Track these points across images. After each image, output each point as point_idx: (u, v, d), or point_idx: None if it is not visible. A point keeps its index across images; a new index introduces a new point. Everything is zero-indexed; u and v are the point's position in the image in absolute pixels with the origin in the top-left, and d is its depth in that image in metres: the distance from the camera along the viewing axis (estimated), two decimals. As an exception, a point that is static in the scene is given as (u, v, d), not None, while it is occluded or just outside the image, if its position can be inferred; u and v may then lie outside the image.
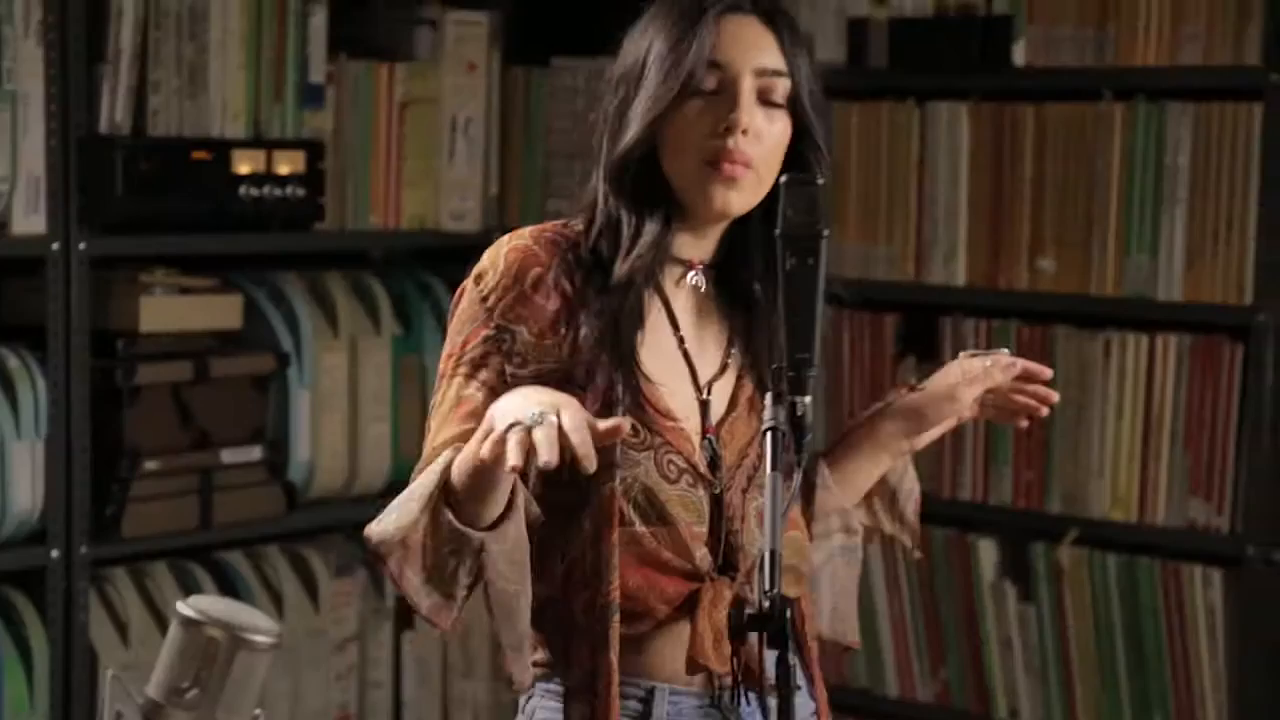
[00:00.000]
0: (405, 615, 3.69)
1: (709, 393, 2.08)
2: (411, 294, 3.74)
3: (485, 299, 2.11)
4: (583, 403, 1.91)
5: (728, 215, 2.04)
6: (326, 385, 3.56)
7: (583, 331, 2.08)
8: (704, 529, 2.05)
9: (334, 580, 3.58)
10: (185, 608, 1.48)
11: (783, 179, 1.92)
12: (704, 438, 2.06)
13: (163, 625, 3.33)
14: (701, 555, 2.04)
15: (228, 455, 3.38)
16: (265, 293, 3.53)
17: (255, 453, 3.43)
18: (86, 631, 3.21)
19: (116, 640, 3.28)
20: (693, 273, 2.10)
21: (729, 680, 2.06)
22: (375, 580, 3.66)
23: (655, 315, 2.11)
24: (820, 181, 1.92)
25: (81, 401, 3.19)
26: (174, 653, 1.49)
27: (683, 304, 2.11)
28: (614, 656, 2.03)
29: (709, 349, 2.10)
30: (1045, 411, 2.08)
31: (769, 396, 1.86)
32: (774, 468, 1.81)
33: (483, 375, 2.08)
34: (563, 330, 2.09)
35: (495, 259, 2.14)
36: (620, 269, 2.08)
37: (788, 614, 1.73)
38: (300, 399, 3.52)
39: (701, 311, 2.10)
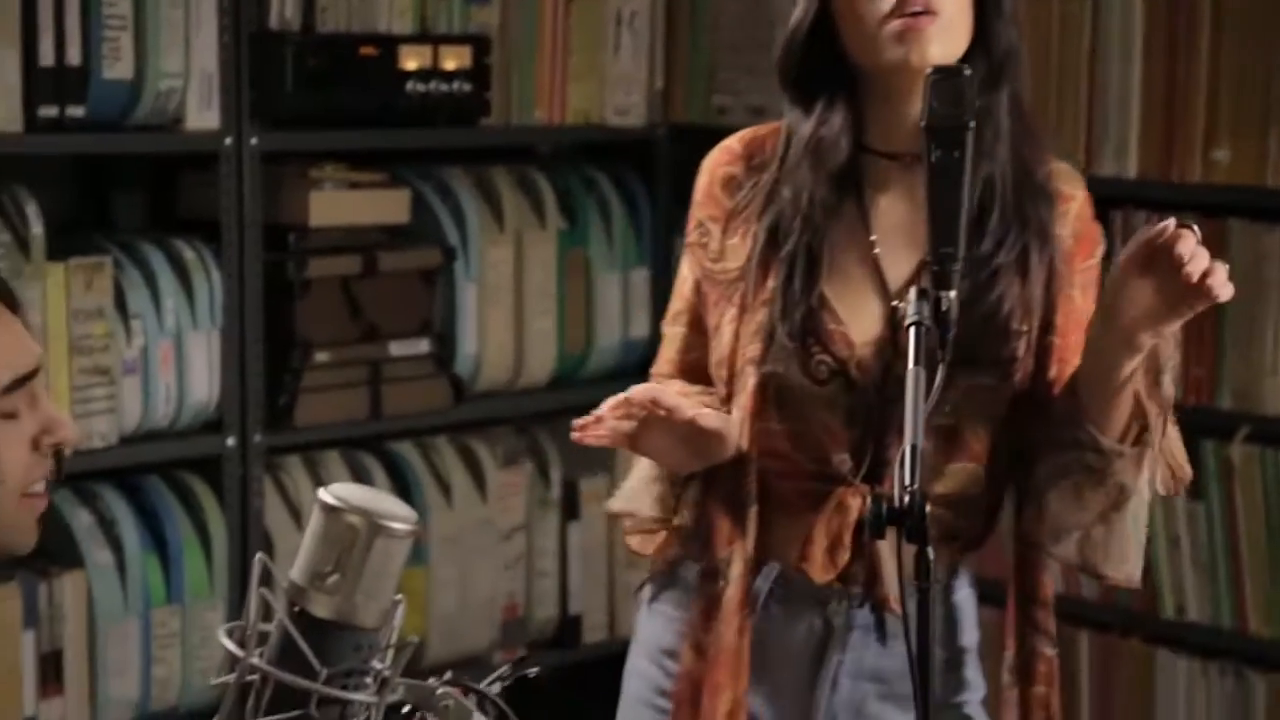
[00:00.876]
0: (571, 505, 3.74)
1: (900, 298, 2.03)
2: (576, 188, 3.76)
3: (695, 193, 2.17)
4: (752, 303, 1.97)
5: (922, 68, 1.95)
6: (492, 279, 3.59)
7: (761, 232, 2.09)
8: (850, 433, 2.04)
9: (501, 471, 3.63)
10: (326, 495, 1.51)
11: (928, 71, 1.90)
12: (878, 343, 2.03)
13: (334, 513, 3.40)
14: (840, 459, 2.04)
15: (396, 348, 3.44)
16: (432, 187, 3.57)
17: (423, 345, 3.48)
18: (262, 517, 3.29)
19: (291, 526, 3.35)
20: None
21: (843, 589, 2.07)
22: (542, 471, 3.71)
23: (847, 215, 2.09)
24: (967, 73, 1.90)
25: (255, 294, 3.25)
26: (315, 538, 1.52)
27: (885, 204, 2.07)
28: (749, 544, 2.06)
29: (909, 251, 2.06)
30: (1220, 293, 1.95)
31: (912, 291, 1.86)
32: (916, 362, 1.81)
33: (694, 262, 2.14)
34: (745, 230, 2.11)
35: (710, 154, 2.17)
36: (802, 165, 2.08)
37: (926, 510, 1.72)
38: (466, 293, 3.56)
39: (911, 210, 2.05)
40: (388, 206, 3.47)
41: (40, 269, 3.01)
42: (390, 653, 1.54)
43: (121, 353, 3.12)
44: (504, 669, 2.02)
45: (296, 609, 1.51)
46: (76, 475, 3.15)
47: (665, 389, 2.03)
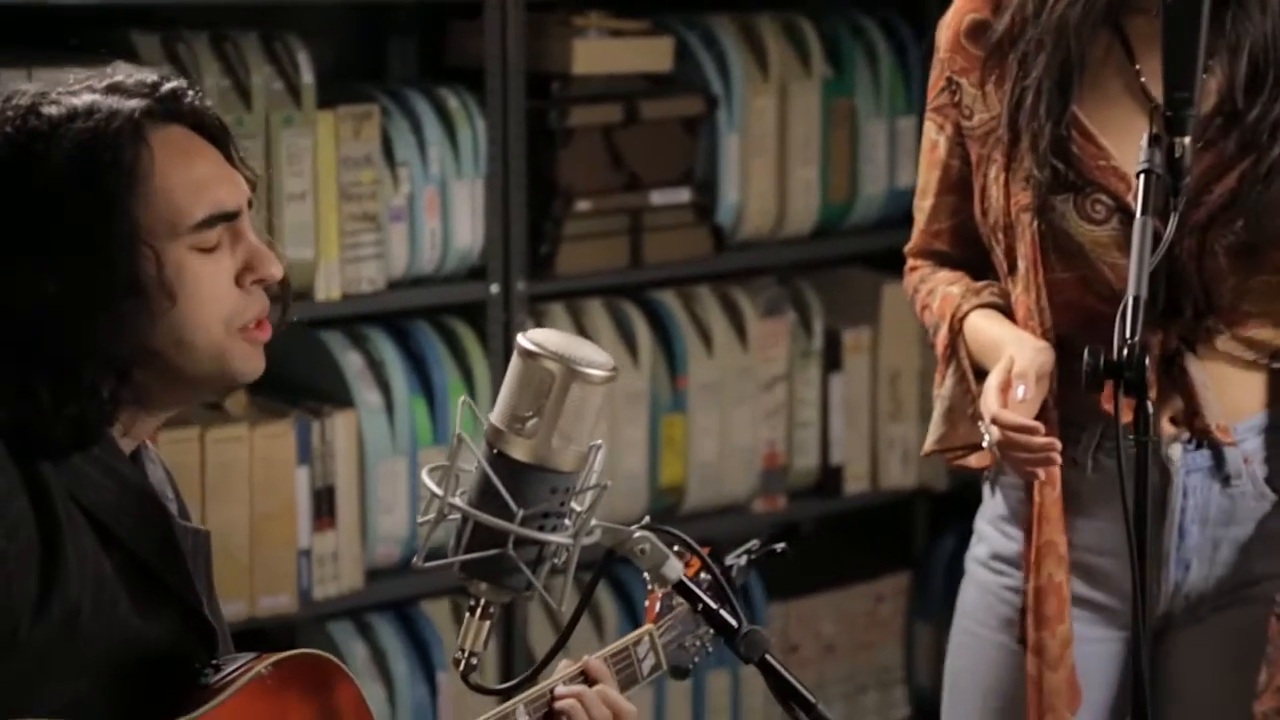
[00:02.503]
0: (834, 356, 3.74)
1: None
2: (844, 36, 3.71)
3: (939, 48, 2.14)
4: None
5: None
6: (755, 128, 3.58)
7: (1014, 65, 2.06)
8: None
9: (762, 320, 3.64)
10: (524, 340, 1.55)
11: None
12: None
13: (596, 359, 3.46)
14: None
15: (657, 197, 3.46)
16: (696, 35, 3.56)
17: (684, 194, 3.50)
18: (524, 363, 3.36)
19: (552, 372, 3.42)
20: None
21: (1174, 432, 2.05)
22: (804, 321, 3.71)
23: (1108, 49, 2.05)
24: None
25: (518, 142, 3.30)
26: (514, 383, 1.55)
27: (1150, 32, 2.02)
28: (1051, 400, 2.05)
29: None
30: None
31: (1145, 137, 1.81)
32: (1143, 212, 1.77)
33: (945, 124, 2.13)
34: (1000, 72, 2.08)
35: (954, 5, 2.14)
36: (1054, 6, 2.03)
37: (1145, 362, 1.69)
38: (729, 142, 3.56)
39: None
40: (651, 54, 3.47)
41: (310, 117, 3.10)
42: (589, 495, 1.58)
43: (388, 200, 3.20)
44: (752, 543, 2.07)
45: (495, 451, 1.56)
46: (347, 318, 3.26)
47: (1006, 412, 2.00)
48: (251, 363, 1.70)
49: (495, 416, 1.57)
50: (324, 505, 3.18)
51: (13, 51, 2.97)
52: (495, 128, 3.27)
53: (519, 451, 1.55)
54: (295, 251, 3.09)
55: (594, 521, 1.58)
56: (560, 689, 1.77)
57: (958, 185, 2.17)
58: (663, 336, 3.53)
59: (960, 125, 2.13)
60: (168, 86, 1.69)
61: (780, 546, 2.07)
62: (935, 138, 2.17)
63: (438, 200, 3.24)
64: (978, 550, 2.25)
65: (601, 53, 3.40)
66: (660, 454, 3.53)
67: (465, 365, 3.31)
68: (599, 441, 1.60)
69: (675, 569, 1.60)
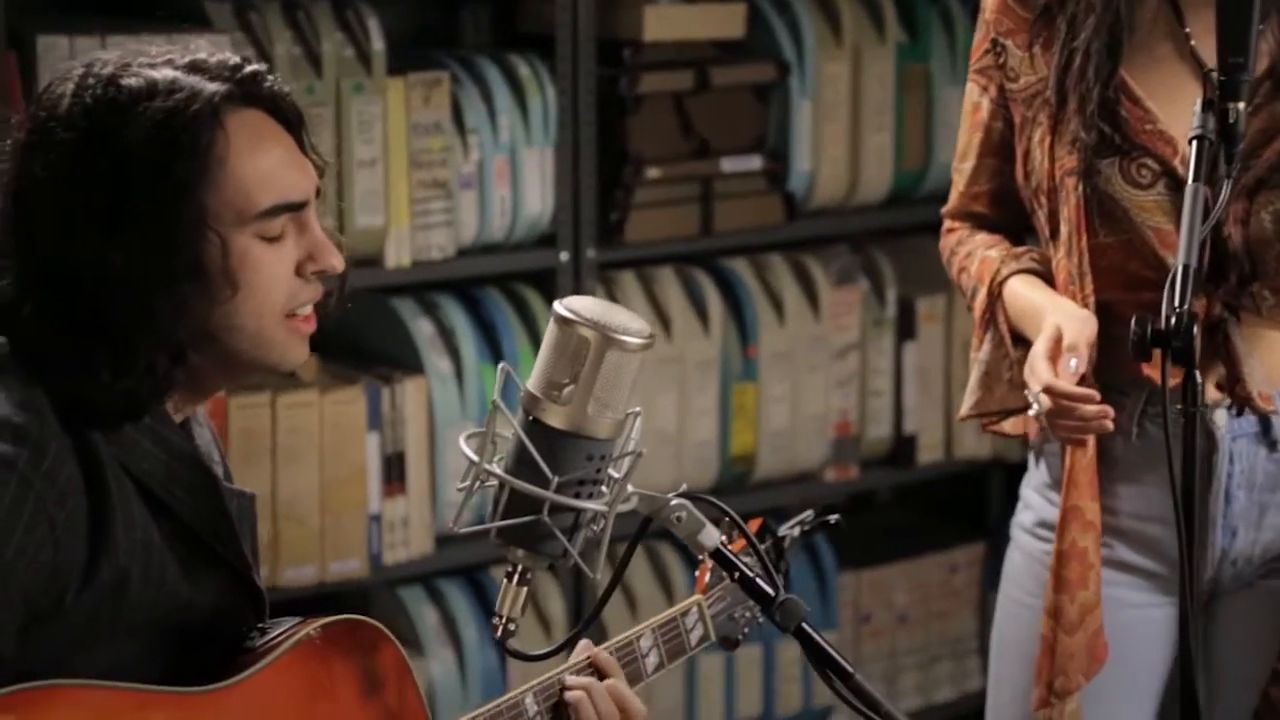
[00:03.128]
0: (907, 324, 3.72)
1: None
2: (919, 1, 3.68)
3: (985, 9, 2.13)
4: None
5: None
6: (829, 95, 3.56)
7: (1064, 25, 2.05)
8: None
9: (834, 289, 3.62)
10: (560, 307, 1.55)
11: None
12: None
13: (666, 326, 3.46)
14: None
15: (728, 164, 3.45)
16: (768, 1, 3.54)
17: (755, 162, 3.49)
18: (593, 330, 3.36)
19: (622, 340, 3.42)
20: None
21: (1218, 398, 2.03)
22: (877, 290, 3.69)
23: (1157, 12, 2.03)
24: None
25: (588, 109, 3.30)
26: (550, 349, 1.56)
27: None
28: (1090, 369, 2.03)
29: None
30: None
31: (1198, 102, 1.79)
32: (1195, 178, 1.75)
33: (989, 86, 2.12)
34: (1049, 35, 2.07)
35: None
36: None
37: (1194, 331, 1.67)
38: (801, 109, 3.54)
39: None
40: (723, 21, 3.46)
41: (380, 84, 3.12)
42: (626, 462, 1.58)
43: (458, 167, 3.21)
44: (806, 514, 2.07)
45: (531, 418, 1.56)
46: (417, 285, 3.27)
47: (1060, 381, 1.98)
48: (295, 352, 1.71)
49: (532, 383, 1.57)
50: (394, 471, 3.20)
51: (88, 19, 3.01)
52: (565, 95, 3.28)
53: (555, 418, 1.55)
54: (365, 219, 3.11)
55: (630, 489, 1.58)
56: (569, 679, 1.78)
57: (999, 148, 2.15)
58: (733, 305, 3.53)
59: (1004, 87, 2.11)
60: (248, 70, 1.69)
61: (834, 518, 2.07)
62: (978, 99, 2.15)
63: (507, 168, 3.25)
64: (1023, 517, 2.24)
65: (673, 19, 3.39)
66: (731, 423, 3.52)
67: (535, 332, 3.32)
68: (637, 409, 1.60)
69: (712, 536, 1.60)
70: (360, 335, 3.29)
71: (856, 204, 3.65)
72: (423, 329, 3.24)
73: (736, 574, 1.58)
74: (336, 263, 1.71)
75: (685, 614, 1.95)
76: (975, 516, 3.99)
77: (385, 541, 3.19)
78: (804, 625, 1.58)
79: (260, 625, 1.72)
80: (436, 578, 3.31)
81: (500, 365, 1.62)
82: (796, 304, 3.59)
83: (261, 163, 1.66)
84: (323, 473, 3.12)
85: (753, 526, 2.08)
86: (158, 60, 1.67)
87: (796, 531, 2.08)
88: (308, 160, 1.72)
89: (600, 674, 1.81)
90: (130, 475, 1.63)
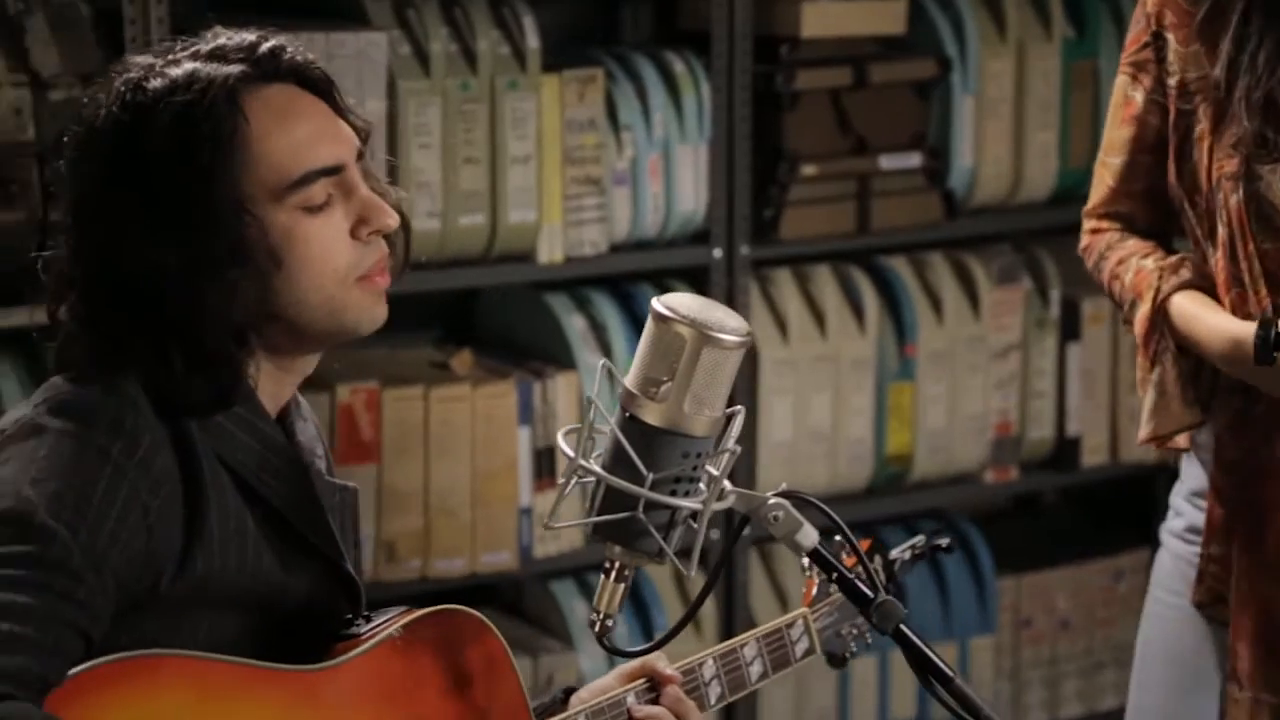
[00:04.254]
0: (1072, 325, 3.66)
1: None
2: (1087, -5, 3.63)
3: (1145, 4, 2.09)
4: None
5: None
6: (992, 91, 3.51)
7: (1230, 36, 2.00)
8: None
9: (995, 288, 3.57)
10: (658, 304, 1.54)
11: None
12: None
13: (821, 324, 3.44)
14: None
15: (886, 161, 3.42)
16: (932, -3, 3.51)
17: (914, 159, 3.45)
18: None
19: (778, 338, 3.41)
20: None
21: None
22: (1040, 289, 3.63)
23: None
24: None
25: (743, 106, 3.29)
26: (647, 346, 1.55)
27: None
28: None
29: None
30: None
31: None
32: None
33: (1144, 79, 2.07)
34: (1215, 30, 2.02)
35: None
36: None
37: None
38: (963, 105, 3.49)
39: None
40: (883, 17, 3.43)
41: (535, 81, 3.14)
42: (724, 460, 1.57)
43: (612, 164, 3.22)
44: (917, 539, 2.04)
45: (628, 415, 1.56)
46: (570, 280, 3.29)
47: None
48: (371, 312, 1.71)
49: (630, 380, 1.57)
50: (545, 465, 3.22)
51: (250, 18, 3.06)
52: (721, 92, 3.27)
53: (651, 415, 1.54)
54: (518, 214, 3.13)
55: (728, 487, 1.58)
56: (637, 710, 1.77)
57: (1153, 145, 2.10)
58: (891, 303, 3.49)
59: (1162, 82, 2.06)
60: (266, 46, 1.70)
61: (945, 542, 2.04)
62: (1131, 93, 2.10)
63: (661, 164, 3.25)
64: (1174, 524, 2.20)
65: (831, 16, 3.36)
66: (886, 422, 3.49)
67: (687, 329, 3.31)
68: (739, 408, 1.59)
69: (810, 537, 1.58)
70: (513, 330, 3.32)
71: (1020, 202, 3.59)
72: (575, 324, 3.26)
73: (834, 574, 1.57)
74: (390, 220, 1.71)
75: (790, 626, 1.94)
76: (1142, 522, 3.90)
77: (536, 534, 3.21)
78: (902, 628, 1.55)
79: (365, 614, 1.74)
80: (587, 571, 3.32)
81: (601, 363, 1.62)
82: (956, 303, 3.55)
83: (287, 137, 1.66)
84: (474, 466, 3.15)
85: (864, 545, 2.06)
86: (181, 55, 1.69)
87: (908, 555, 2.05)
88: (343, 123, 1.72)
89: (656, 686, 1.81)
90: (225, 464, 1.66)
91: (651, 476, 1.54)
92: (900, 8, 3.43)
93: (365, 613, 1.74)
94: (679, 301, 1.55)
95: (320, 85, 1.72)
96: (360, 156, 1.72)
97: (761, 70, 3.31)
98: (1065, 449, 3.68)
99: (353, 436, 3.07)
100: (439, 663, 1.71)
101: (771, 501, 1.58)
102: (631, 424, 1.55)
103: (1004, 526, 3.83)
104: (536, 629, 3.31)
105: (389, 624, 1.70)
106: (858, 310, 3.46)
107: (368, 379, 3.09)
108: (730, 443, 1.57)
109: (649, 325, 1.56)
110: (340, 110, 1.73)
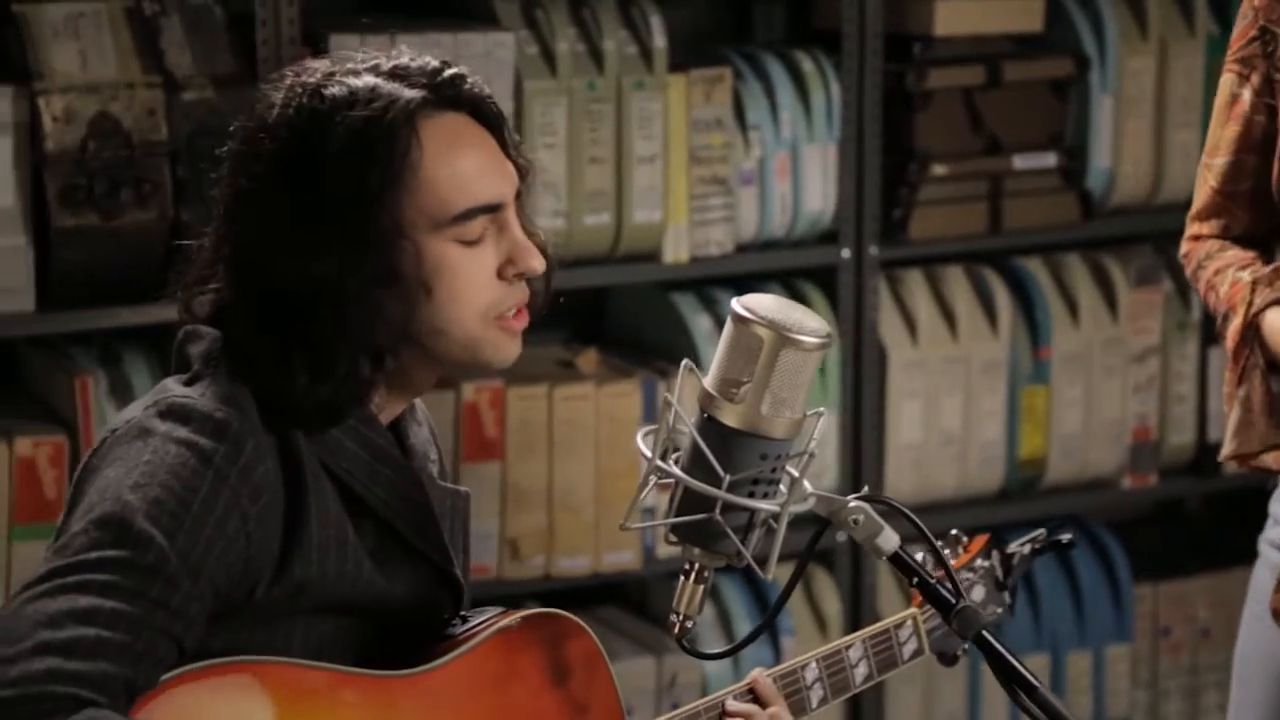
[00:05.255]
0: (1213, 328, 3.57)
1: None
2: (1232, -7, 3.54)
3: None
4: None
5: None
6: (1131, 90, 3.45)
7: None
8: None
9: (1134, 290, 3.51)
10: (737, 304, 1.53)
11: None
12: None
13: (952, 325, 3.40)
14: None
15: (1020, 161, 3.37)
16: (1071, -7, 3.45)
17: (1050, 159, 3.40)
18: (876, 328, 3.32)
19: (907, 339, 3.38)
20: None
21: None
22: (1181, 291, 3.56)
23: None
24: None
25: (874, 105, 3.26)
26: (726, 347, 1.54)
27: None
28: None
29: None
30: None
31: None
32: None
33: (1251, 76, 2.02)
34: None
35: None
36: None
37: None
38: (1102, 104, 3.43)
39: None
40: (1020, 14, 3.38)
41: (661, 81, 3.13)
42: (804, 462, 1.55)
43: (739, 163, 3.21)
44: (1038, 533, 2.00)
45: (706, 416, 1.55)
46: (696, 280, 3.28)
47: None
48: (505, 351, 1.71)
49: (709, 381, 1.56)
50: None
51: (380, 18, 3.10)
52: (851, 91, 3.24)
53: (729, 417, 1.53)
54: (643, 214, 3.13)
55: (808, 489, 1.56)
56: (731, 704, 1.75)
57: (1260, 144, 2.04)
58: (1024, 305, 3.44)
59: (1271, 79, 2.00)
60: (448, 74, 1.69)
61: (1066, 538, 1.99)
62: (1237, 90, 2.04)
63: (789, 164, 3.23)
64: (1272, 533, 2.14)
65: (966, 14, 3.32)
66: (1019, 425, 3.44)
67: (815, 330, 3.29)
68: (820, 410, 1.57)
69: (891, 540, 1.56)
70: (640, 330, 3.32)
71: (1160, 203, 3.52)
72: (701, 324, 3.25)
73: (915, 579, 1.54)
74: (536, 265, 1.70)
75: (899, 626, 1.91)
76: (1288, 530, 3.81)
77: (659, 534, 3.20)
78: (984, 634, 1.53)
79: (462, 614, 1.74)
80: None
81: (684, 362, 1.61)
82: (1093, 305, 3.49)
83: (456, 169, 1.66)
84: (598, 464, 3.15)
85: (981, 541, 2.03)
86: (361, 67, 1.68)
87: (1027, 549, 2.01)
88: (508, 162, 1.71)
89: (761, 701, 1.78)
90: (330, 473, 1.65)
91: (728, 478, 1.52)
92: (1038, 5, 3.38)
93: (462, 613, 1.74)
94: (758, 302, 1.54)
95: (493, 120, 1.71)
96: (518, 195, 1.71)
97: (892, 69, 3.28)
98: (1207, 455, 3.60)
99: (477, 434, 3.09)
100: (535, 665, 1.70)
101: (852, 504, 1.56)
102: (709, 425, 1.54)
103: (1144, 533, 3.76)
104: (660, 629, 3.30)
105: (485, 626, 1.70)
106: (990, 312, 3.42)
107: (493, 377, 3.10)
108: (810, 444, 1.55)
109: (728, 326, 1.55)
110: (506, 146, 1.72)
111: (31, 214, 2.80)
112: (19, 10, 2.82)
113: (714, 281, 3.28)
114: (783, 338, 1.52)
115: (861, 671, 1.88)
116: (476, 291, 1.67)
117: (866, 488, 1.62)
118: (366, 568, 1.66)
